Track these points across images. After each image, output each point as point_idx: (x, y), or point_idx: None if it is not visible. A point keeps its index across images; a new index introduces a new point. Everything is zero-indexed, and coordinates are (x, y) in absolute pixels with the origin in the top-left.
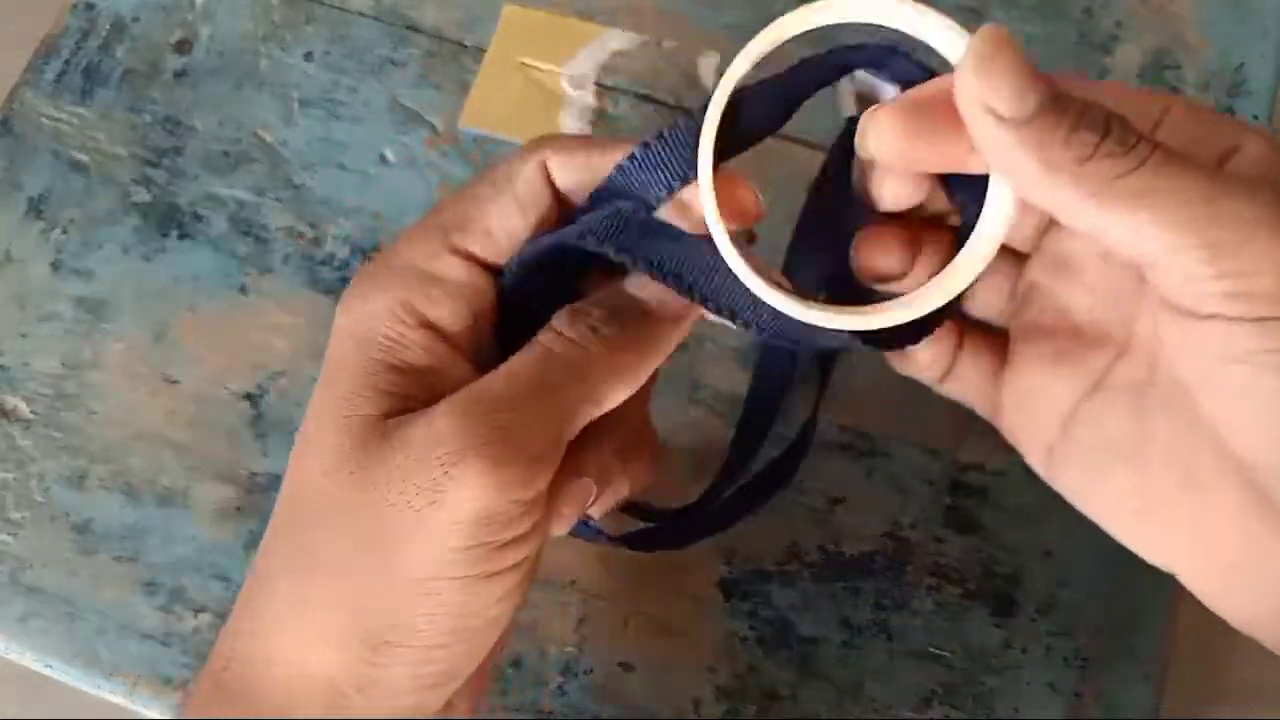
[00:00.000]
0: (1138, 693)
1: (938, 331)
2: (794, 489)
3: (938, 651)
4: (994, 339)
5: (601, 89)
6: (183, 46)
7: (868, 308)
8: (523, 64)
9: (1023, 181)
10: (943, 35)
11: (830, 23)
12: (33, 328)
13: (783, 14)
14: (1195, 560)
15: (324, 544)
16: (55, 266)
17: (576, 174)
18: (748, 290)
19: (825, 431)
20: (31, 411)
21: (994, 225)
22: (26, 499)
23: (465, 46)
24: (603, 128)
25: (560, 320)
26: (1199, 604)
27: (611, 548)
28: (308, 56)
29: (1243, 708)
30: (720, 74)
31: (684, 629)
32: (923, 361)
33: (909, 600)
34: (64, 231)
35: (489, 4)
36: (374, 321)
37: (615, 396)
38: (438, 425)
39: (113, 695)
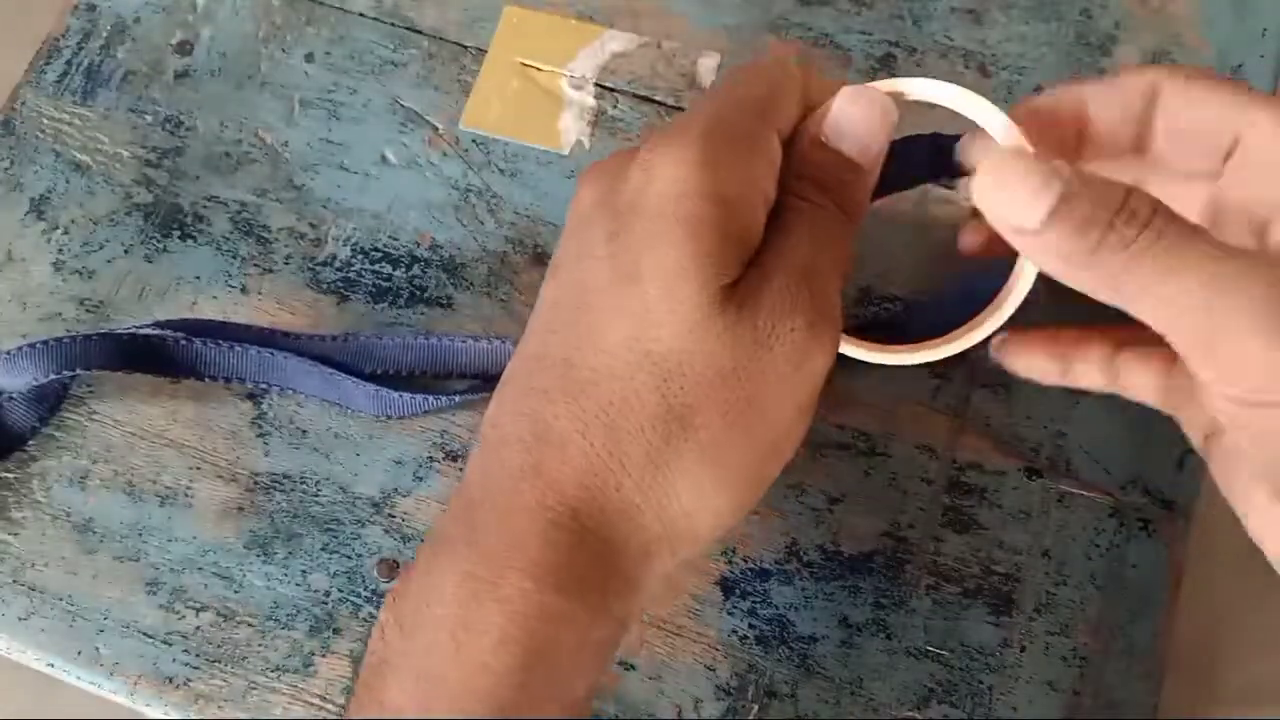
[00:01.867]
0: (1136, 691)
1: (1045, 348)
2: (793, 488)
3: (936, 650)
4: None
5: (601, 90)
6: (184, 47)
7: (900, 348)
8: (523, 65)
9: (1049, 270)
10: (986, 117)
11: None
12: (34, 328)
13: (781, 17)
14: None
15: (700, 398)
16: (56, 266)
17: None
18: None
19: (825, 431)
20: None
21: (1018, 293)
22: (28, 498)
23: (465, 47)
24: (603, 128)
25: (805, 188)
26: (1198, 603)
27: None
28: (309, 57)
29: (1242, 707)
30: (719, 74)
31: (684, 628)
32: (1039, 367)
33: (908, 599)
34: (65, 232)
35: (489, 5)
36: (745, 189)
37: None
38: (784, 295)
39: (114, 694)
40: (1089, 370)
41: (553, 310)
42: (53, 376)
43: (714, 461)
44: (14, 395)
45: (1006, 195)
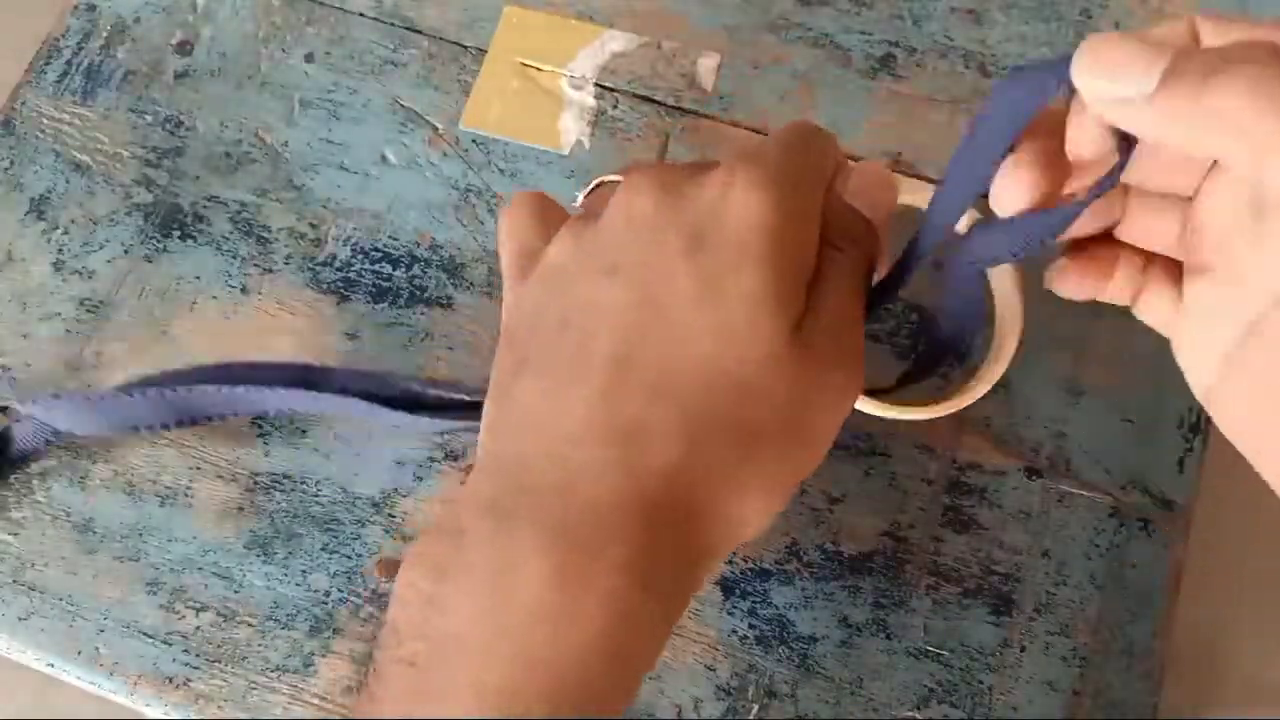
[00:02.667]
0: (1136, 691)
1: (1125, 258)
2: None
3: (936, 650)
4: (1179, 271)
5: (601, 90)
6: (184, 47)
7: (903, 405)
8: (523, 65)
9: (1150, 134)
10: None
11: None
12: (34, 328)
13: (781, 17)
14: None
15: (767, 419)
16: (57, 266)
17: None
18: None
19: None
20: None
21: (1008, 350)
22: (28, 498)
23: (465, 47)
24: (603, 128)
25: (837, 238)
26: (1198, 602)
27: None
28: (308, 57)
29: (1241, 707)
30: (719, 74)
31: (684, 628)
32: (1111, 290)
33: (908, 599)
34: (65, 232)
35: (489, 5)
36: (808, 235)
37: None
38: (834, 341)
39: (114, 694)
40: (1119, 284)
41: (626, 313)
42: (115, 431)
43: (769, 477)
44: (27, 416)
45: (1116, 71)
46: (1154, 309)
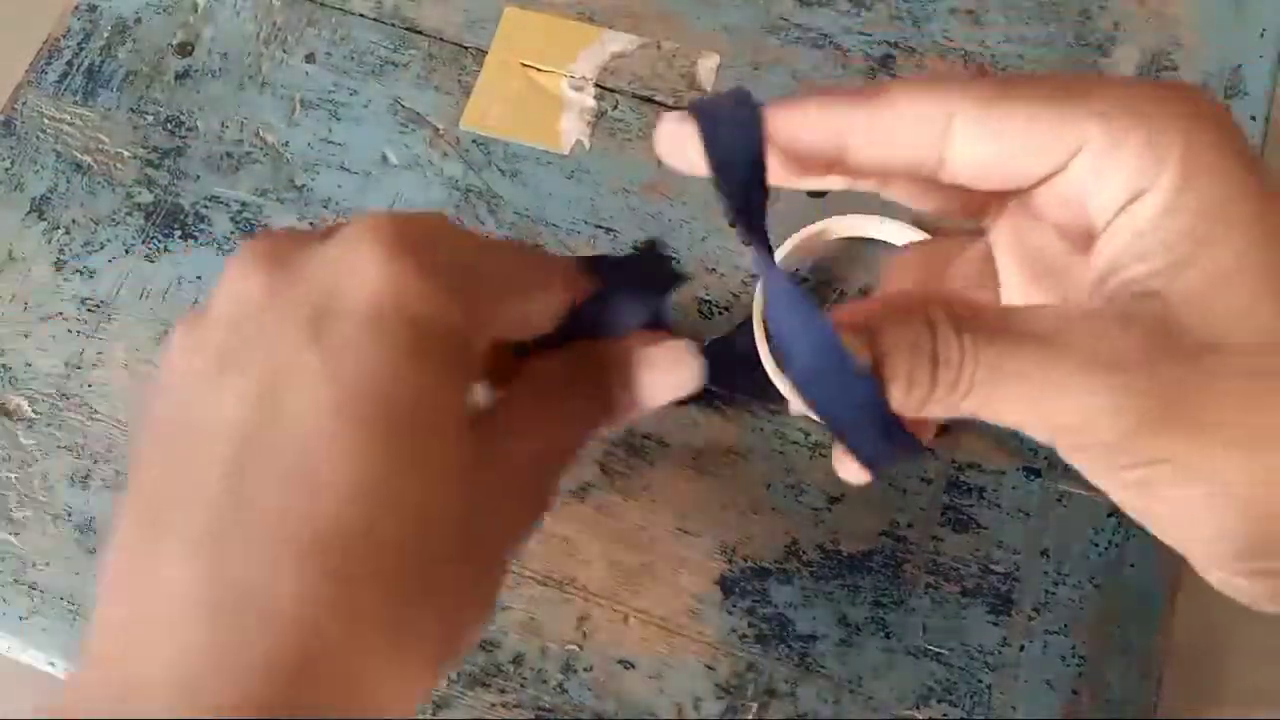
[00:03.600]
0: (1135, 691)
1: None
2: (792, 488)
3: (936, 649)
4: None
5: (601, 90)
6: (185, 48)
7: None
8: (523, 66)
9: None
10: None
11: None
12: (35, 327)
13: (780, 18)
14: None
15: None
16: (58, 266)
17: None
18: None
19: (824, 430)
20: (34, 411)
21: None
22: (29, 498)
23: (466, 48)
24: (603, 129)
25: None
26: (1198, 602)
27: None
28: (309, 58)
29: (1242, 707)
30: (719, 74)
31: (683, 627)
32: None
33: (907, 598)
34: (67, 232)
35: (490, 6)
36: (481, 313)
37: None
38: (514, 459)
39: None
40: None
41: (239, 427)
42: None
43: (442, 627)
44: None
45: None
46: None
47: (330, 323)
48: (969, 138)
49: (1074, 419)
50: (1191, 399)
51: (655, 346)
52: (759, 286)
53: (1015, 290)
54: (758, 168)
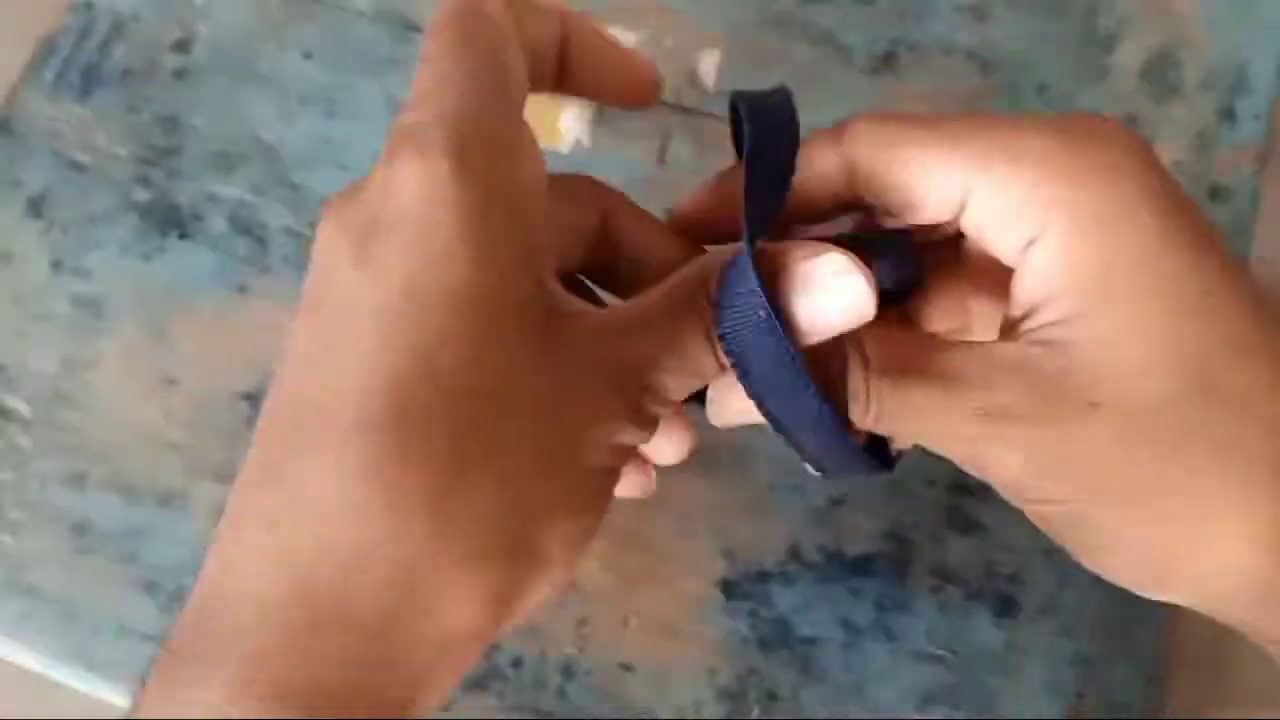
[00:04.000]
0: (1140, 693)
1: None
2: (794, 489)
3: (939, 652)
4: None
5: None
6: (181, 45)
7: None
8: None
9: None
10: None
11: None
12: (31, 327)
13: (782, 15)
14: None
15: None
16: (54, 265)
17: None
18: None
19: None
20: (30, 411)
21: None
22: (25, 499)
23: None
24: (603, 127)
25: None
26: None
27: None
28: (307, 55)
29: (1246, 710)
30: (720, 73)
31: (684, 630)
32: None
33: (910, 601)
34: (62, 231)
35: None
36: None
37: None
38: (598, 345)
39: (111, 696)
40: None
41: (298, 345)
42: None
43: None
44: None
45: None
46: None
47: (376, 234)
48: (871, 185)
49: (967, 458)
50: (1073, 454)
51: (814, 258)
52: (723, 273)
53: (988, 309)
54: (788, 167)
